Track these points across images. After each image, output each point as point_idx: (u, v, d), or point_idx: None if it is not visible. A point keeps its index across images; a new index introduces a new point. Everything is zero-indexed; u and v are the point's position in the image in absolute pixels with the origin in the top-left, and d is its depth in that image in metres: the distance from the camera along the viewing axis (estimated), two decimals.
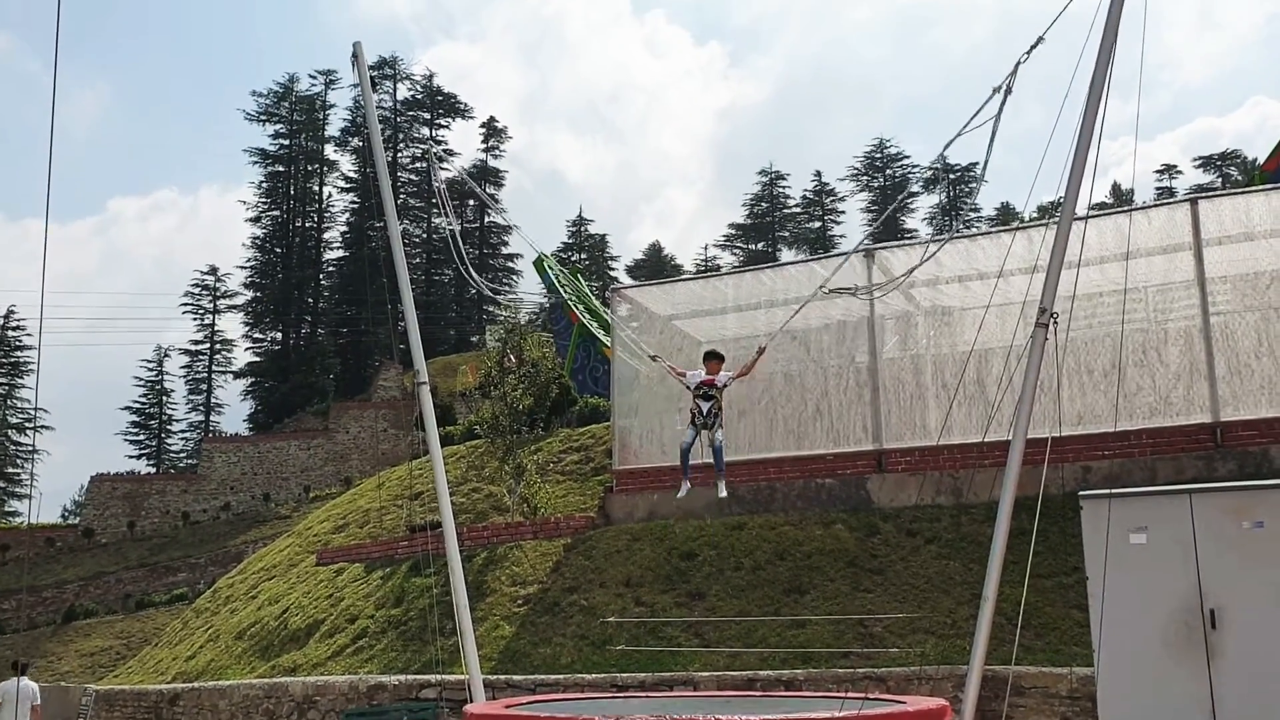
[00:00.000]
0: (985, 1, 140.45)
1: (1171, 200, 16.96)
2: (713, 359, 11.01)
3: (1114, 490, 10.49)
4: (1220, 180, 73.94)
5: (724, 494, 11.29)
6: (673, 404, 18.35)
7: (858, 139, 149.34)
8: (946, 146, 9.86)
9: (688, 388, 11.06)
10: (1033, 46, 8.91)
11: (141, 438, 69.40)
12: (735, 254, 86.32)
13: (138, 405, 69.39)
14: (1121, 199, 67.62)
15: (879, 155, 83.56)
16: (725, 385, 10.92)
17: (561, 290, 34.09)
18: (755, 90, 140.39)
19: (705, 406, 10.83)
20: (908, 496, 15.39)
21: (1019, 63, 8.98)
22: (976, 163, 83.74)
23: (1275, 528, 9.46)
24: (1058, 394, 13.56)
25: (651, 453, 17.85)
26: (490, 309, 76.45)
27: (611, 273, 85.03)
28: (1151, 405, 14.64)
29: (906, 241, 19.29)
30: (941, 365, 16.20)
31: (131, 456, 68.88)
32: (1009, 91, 9.03)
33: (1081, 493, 10.52)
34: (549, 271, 35.08)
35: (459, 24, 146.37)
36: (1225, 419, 14.09)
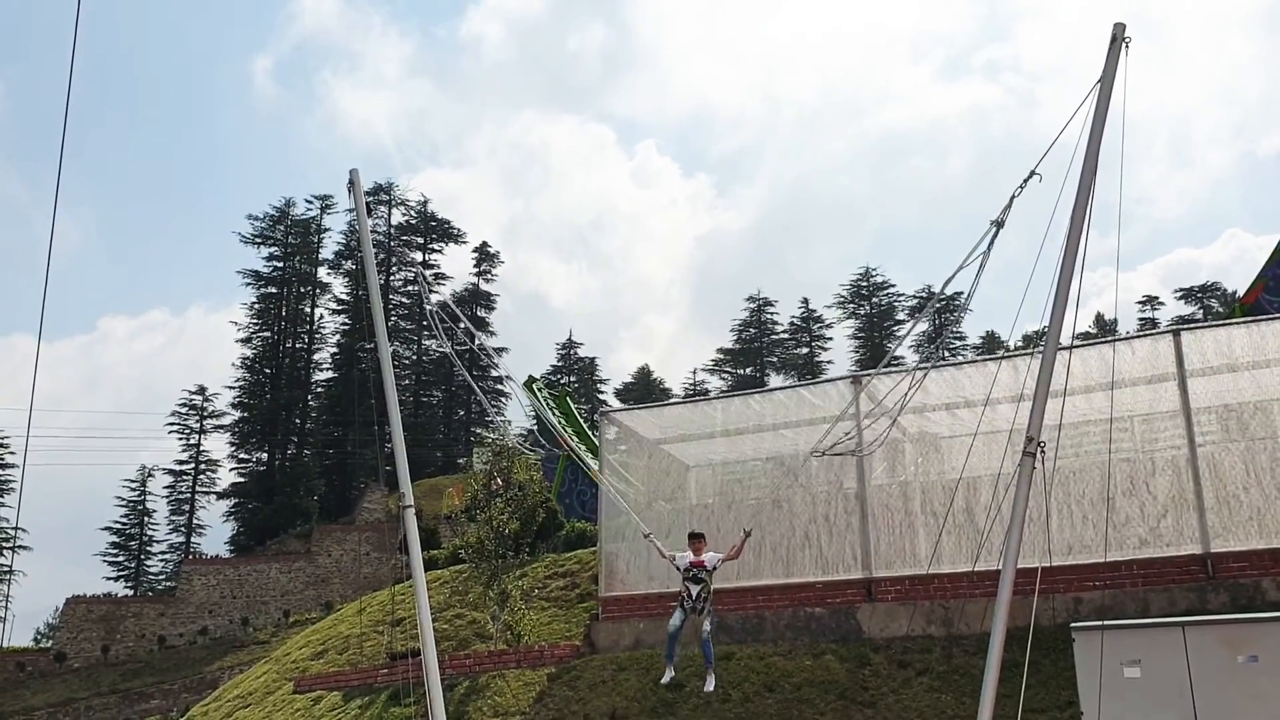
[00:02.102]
0: (961, 132, 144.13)
1: (1155, 331, 17.18)
2: (697, 539, 11.07)
3: (1106, 622, 10.37)
4: (1201, 312, 74.97)
5: (711, 687, 11.34)
6: (660, 528, 18.20)
7: (839, 266, 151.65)
8: (946, 282, 10.00)
9: (677, 569, 11.09)
10: (1025, 180, 9.18)
11: (120, 559, 68.15)
12: (724, 378, 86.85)
13: (118, 525, 68.35)
14: (1104, 329, 68.41)
15: (865, 283, 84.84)
16: (714, 568, 10.97)
17: (550, 414, 34.11)
18: (735, 218, 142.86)
19: (695, 590, 10.81)
20: (898, 626, 15.17)
21: (1013, 196, 9.26)
22: (961, 291, 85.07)
23: (1269, 661, 9.33)
24: (1047, 524, 13.49)
25: (638, 579, 17.63)
26: (478, 430, 76.35)
27: (600, 395, 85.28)
28: (1141, 536, 14.56)
29: (894, 369, 19.42)
30: (930, 493, 16.15)
31: (109, 578, 67.56)
32: (1001, 225, 9.28)
33: (1074, 624, 10.40)
34: (537, 395, 35.17)
35: (443, 151, 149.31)
36: (1216, 550, 14.00)
